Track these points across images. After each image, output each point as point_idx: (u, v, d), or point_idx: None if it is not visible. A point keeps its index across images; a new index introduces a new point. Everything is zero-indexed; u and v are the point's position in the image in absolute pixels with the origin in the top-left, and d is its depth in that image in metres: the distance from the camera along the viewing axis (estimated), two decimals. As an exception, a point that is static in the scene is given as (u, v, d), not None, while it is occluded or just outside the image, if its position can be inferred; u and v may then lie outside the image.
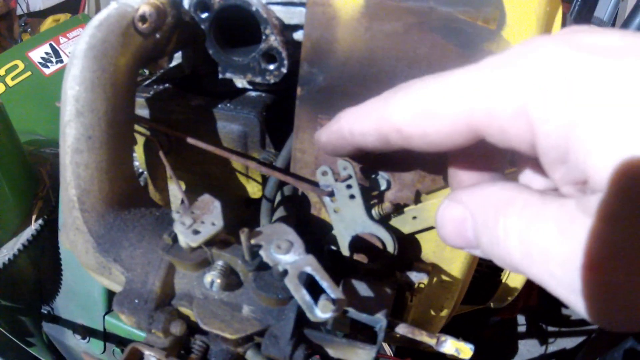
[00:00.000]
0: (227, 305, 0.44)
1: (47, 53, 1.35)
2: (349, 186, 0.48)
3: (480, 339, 0.47)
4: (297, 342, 0.43)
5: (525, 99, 0.24)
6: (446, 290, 0.64)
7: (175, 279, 0.47)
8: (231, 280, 0.44)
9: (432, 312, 0.66)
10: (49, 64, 1.34)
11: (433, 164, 0.49)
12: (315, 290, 0.39)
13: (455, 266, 0.60)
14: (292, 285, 0.38)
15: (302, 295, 0.38)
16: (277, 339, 0.42)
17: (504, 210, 0.27)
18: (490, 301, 0.82)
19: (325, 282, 0.38)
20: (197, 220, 0.43)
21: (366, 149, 0.35)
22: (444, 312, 0.67)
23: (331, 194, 0.48)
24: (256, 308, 0.43)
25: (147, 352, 0.46)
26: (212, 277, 0.42)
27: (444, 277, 0.61)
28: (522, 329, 1.70)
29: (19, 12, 2.96)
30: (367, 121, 0.34)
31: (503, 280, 0.78)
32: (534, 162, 0.31)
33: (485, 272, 0.77)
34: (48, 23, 2.47)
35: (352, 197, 0.48)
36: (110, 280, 0.52)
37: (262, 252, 0.40)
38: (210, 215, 0.44)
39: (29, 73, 1.30)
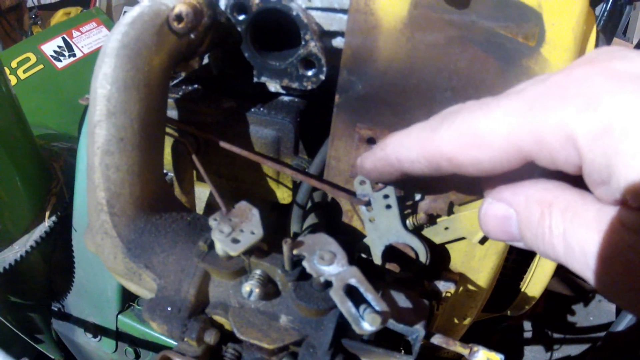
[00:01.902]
0: (263, 315, 0.44)
1: (59, 46, 1.33)
2: (385, 196, 0.47)
3: (488, 344, 0.48)
4: (335, 353, 0.42)
5: (571, 128, 0.27)
6: (471, 299, 0.63)
7: (210, 286, 0.46)
8: (268, 289, 0.44)
9: (456, 320, 0.66)
10: (61, 58, 1.33)
11: (467, 179, 0.49)
12: (355, 301, 0.39)
13: (482, 276, 0.60)
14: (337, 298, 0.38)
15: (348, 308, 0.37)
16: (314, 349, 0.42)
17: (548, 210, 0.30)
18: (508, 309, 0.82)
19: (370, 294, 0.38)
20: (236, 229, 0.43)
21: (414, 176, 0.37)
22: (467, 321, 0.67)
23: (368, 204, 0.47)
24: (294, 318, 0.43)
25: (178, 360, 0.45)
26: (251, 287, 0.42)
27: (470, 287, 0.61)
28: (528, 334, 1.71)
29: (29, 4, 2.93)
30: (415, 150, 0.35)
31: (522, 289, 0.78)
32: None
33: (505, 280, 0.77)
34: (59, 16, 2.45)
35: (388, 207, 0.48)
36: (139, 286, 0.51)
37: (305, 263, 0.40)
38: (249, 224, 0.43)
39: (41, 66, 1.29)
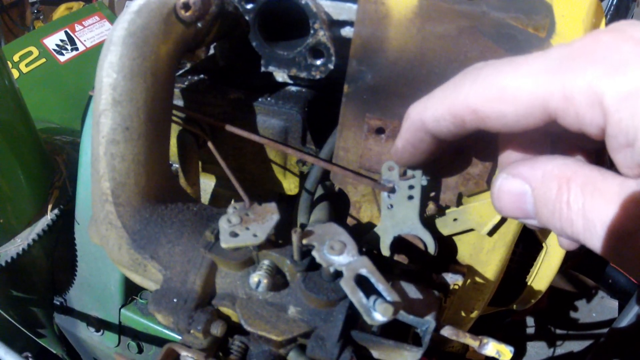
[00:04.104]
0: (272, 306, 0.43)
1: (62, 40, 1.32)
2: (411, 186, 0.47)
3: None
4: (344, 344, 0.42)
5: (600, 89, 0.27)
6: (478, 292, 0.63)
7: (217, 277, 0.46)
8: (277, 280, 0.43)
9: (463, 314, 0.66)
10: (64, 51, 1.32)
11: (477, 168, 0.49)
12: (365, 292, 0.38)
13: (490, 268, 0.59)
14: (348, 288, 0.37)
15: (359, 298, 0.37)
16: (323, 340, 0.41)
17: (566, 185, 0.29)
18: (514, 303, 0.81)
19: (381, 285, 0.37)
20: (244, 224, 0.42)
21: (440, 136, 0.36)
22: (474, 314, 0.66)
23: (392, 190, 0.47)
24: (303, 309, 0.42)
25: (184, 353, 0.45)
26: (259, 277, 0.41)
27: (478, 279, 0.61)
28: (530, 330, 1.71)
29: (31, -1, 2.92)
30: (440, 106, 0.34)
31: (529, 283, 0.77)
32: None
33: (512, 274, 0.76)
34: (61, 11, 2.44)
35: (410, 197, 0.47)
36: (144, 278, 0.51)
37: (315, 253, 0.39)
38: (260, 226, 0.42)
39: (43, 60, 1.28)
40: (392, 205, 0.49)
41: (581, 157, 0.36)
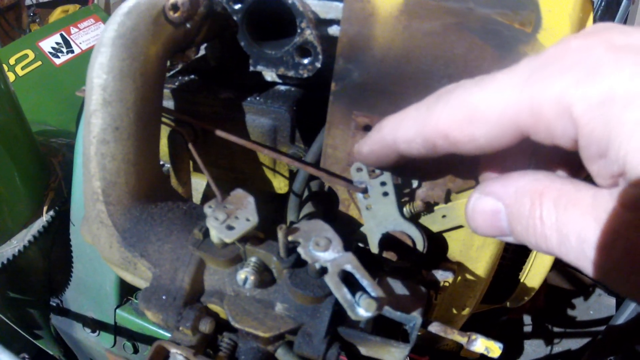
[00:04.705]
0: (259, 303, 0.44)
1: (57, 43, 1.33)
2: (383, 183, 0.47)
3: (487, 336, 0.47)
4: (331, 341, 0.42)
5: (568, 99, 0.26)
6: (470, 289, 0.63)
7: (205, 275, 0.46)
8: (264, 277, 0.43)
9: (455, 311, 0.66)
10: (59, 54, 1.32)
11: (464, 164, 0.49)
12: (351, 288, 0.39)
13: (481, 265, 0.59)
14: (332, 284, 0.37)
15: (343, 294, 0.37)
16: (310, 337, 0.42)
17: (539, 200, 0.29)
18: (507, 300, 0.82)
19: (366, 281, 0.38)
20: (231, 216, 0.43)
21: (410, 157, 0.36)
22: (466, 311, 0.66)
23: (365, 191, 0.47)
24: (290, 306, 0.43)
25: (173, 350, 0.45)
26: (246, 274, 0.42)
27: (469, 276, 0.61)
28: (528, 329, 1.71)
29: (27, 2, 2.92)
30: (411, 129, 0.34)
31: (521, 280, 0.77)
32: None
33: (504, 271, 0.77)
34: (57, 14, 2.45)
35: (385, 194, 0.47)
36: (134, 276, 0.51)
37: (300, 249, 0.39)
38: (245, 211, 0.43)
39: (39, 63, 1.29)
40: (370, 206, 0.49)
41: (562, 171, 0.35)
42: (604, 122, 0.25)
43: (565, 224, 0.27)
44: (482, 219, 0.33)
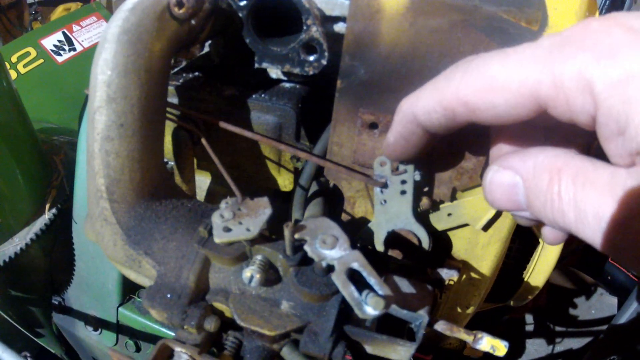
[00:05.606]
0: (265, 301, 0.43)
1: (59, 41, 1.33)
2: (403, 181, 0.47)
3: (491, 334, 0.47)
4: (337, 339, 0.42)
5: (589, 76, 0.27)
6: (474, 288, 0.63)
7: (210, 273, 0.46)
8: (270, 275, 0.43)
9: (459, 309, 0.66)
10: (61, 52, 1.32)
11: (470, 162, 0.49)
12: (357, 286, 0.39)
13: (485, 263, 0.59)
14: (339, 282, 0.37)
15: (350, 292, 0.37)
16: (317, 335, 0.42)
17: (557, 176, 0.29)
18: (511, 299, 0.81)
19: (373, 279, 0.37)
20: (237, 219, 0.42)
21: (432, 129, 0.36)
22: (470, 310, 0.66)
23: (385, 186, 0.47)
24: (296, 304, 0.42)
25: (178, 349, 0.45)
26: (251, 272, 0.41)
27: (473, 275, 0.61)
28: (530, 328, 1.71)
29: (29, 0, 2.93)
30: (431, 99, 0.34)
31: (525, 279, 0.77)
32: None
33: (508, 270, 0.76)
34: (59, 12, 2.44)
35: (403, 192, 0.47)
36: (138, 274, 0.51)
37: (307, 247, 0.39)
38: (253, 220, 0.42)
39: (41, 60, 1.28)
40: (385, 201, 0.49)
41: (574, 150, 0.36)
42: (624, 100, 0.25)
43: (583, 201, 0.27)
44: (499, 192, 0.33)
